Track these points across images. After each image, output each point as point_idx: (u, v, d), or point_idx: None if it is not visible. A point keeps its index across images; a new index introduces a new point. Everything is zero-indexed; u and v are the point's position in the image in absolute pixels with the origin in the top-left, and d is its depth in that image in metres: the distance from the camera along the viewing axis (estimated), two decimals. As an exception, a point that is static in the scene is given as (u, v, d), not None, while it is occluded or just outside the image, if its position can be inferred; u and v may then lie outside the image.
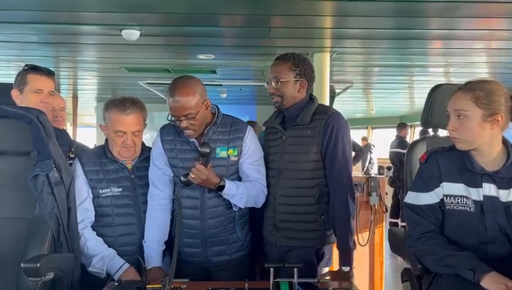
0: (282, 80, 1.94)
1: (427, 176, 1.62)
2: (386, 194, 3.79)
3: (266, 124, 2.13)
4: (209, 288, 1.68)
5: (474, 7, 3.35)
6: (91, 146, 2.62)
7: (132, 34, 3.96)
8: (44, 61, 5.27)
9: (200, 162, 1.79)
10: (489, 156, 1.55)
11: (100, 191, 1.95)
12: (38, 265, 1.46)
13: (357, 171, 6.64)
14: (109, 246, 1.93)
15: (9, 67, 5.79)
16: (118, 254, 1.92)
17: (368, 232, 3.42)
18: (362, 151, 7.39)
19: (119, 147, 1.95)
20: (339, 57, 4.93)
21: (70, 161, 2.02)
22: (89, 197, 1.94)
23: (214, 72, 6.04)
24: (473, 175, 1.55)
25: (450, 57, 5.13)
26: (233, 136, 1.94)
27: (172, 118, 1.85)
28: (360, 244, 3.27)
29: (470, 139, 1.53)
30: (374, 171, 8.30)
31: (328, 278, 1.91)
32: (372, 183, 3.42)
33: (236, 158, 1.93)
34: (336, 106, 4.97)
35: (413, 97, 8.62)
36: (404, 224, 5.20)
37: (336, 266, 1.97)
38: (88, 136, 10.83)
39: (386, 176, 6.56)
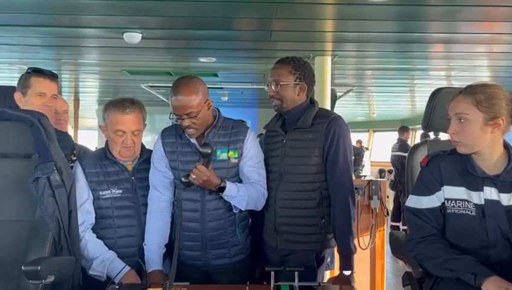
0: (282, 83, 1.95)
1: (428, 180, 1.61)
2: (387, 197, 3.78)
3: (267, 127, 2.13)
4: (210, 291, 1.67)
5: (476, 11, 3.35)
6: (93, 149, 2.62)
7: (134, 37, 3.97)
8: (47, 64, 5.29)
9: (201, 163, 1.79)
10: (491, 160, 1.55)
11: (100, 193, 1.95)
12: (39, 268, 1.46)
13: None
14: (109, 248, 1.92)
15: (11, 70, 5.81)
16: (118, 256, 1.91)
17: (369, 236, 3.42)
18: (360, 155, 7.41)
19: (119, 147, 1.95)
20: (340, 60, 4.94)
21: (73, 164, 2.02)
22: (90, 198, 1.94)
23: (216, 75, 6.05)
24: (474, 179, 1.55)
25: (451, 61, 5.13)
26: (233, 138, 1.94)
27: (175, 117, 1.86)
28: (361, 247, 3.27)
29: (471, 143, 1.53)
30: (364, 173, 8.35)
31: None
32: (373, 187, 3.41)
33: (236, 160, 1.93)
34: (337, 109, 4.98)
35: (414, 100, 8.62)
36: (405, 227, 5.19)
37: (337, 270, 1.97)
38: (90, 138, 10.85)
39: (388, 180, 6.56)
